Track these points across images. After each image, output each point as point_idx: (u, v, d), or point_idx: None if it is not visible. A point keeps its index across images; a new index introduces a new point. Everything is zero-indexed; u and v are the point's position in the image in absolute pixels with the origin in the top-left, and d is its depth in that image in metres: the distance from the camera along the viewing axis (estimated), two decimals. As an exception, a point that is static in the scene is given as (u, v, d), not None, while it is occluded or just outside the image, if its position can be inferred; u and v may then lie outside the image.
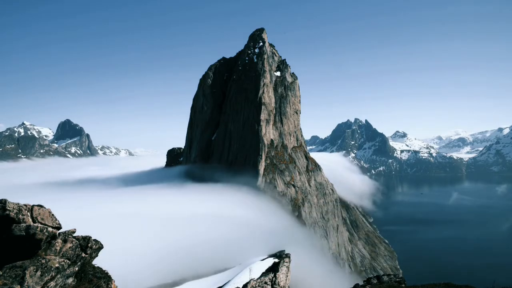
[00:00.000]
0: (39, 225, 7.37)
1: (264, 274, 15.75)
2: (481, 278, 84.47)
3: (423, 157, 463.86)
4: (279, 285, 15.10)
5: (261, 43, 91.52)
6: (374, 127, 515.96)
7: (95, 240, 9.00)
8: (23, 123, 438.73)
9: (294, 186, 75.87)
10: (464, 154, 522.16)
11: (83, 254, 8.41)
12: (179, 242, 44.76)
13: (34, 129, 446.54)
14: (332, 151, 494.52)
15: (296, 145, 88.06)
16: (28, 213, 7.33)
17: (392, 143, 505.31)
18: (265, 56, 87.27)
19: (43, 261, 7.06)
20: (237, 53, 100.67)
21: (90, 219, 43.91)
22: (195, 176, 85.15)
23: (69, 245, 7.97)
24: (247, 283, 14.30)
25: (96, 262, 9.26)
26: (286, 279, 15.96)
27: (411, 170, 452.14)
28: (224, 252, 43.61)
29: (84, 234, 8.79)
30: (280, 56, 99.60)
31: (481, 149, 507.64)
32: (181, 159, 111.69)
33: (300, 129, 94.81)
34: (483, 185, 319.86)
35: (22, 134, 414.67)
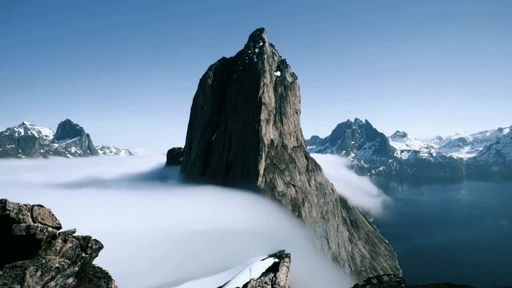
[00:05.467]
0: (39, 225, 7.37)
1: (264, 274, 15.74)
2: (481, 278, 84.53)
3: (423, 157, 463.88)
4: (279, 285, 15.09)
5: (261, 43, 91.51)
6: (374, 127, 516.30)
7: (95, 240, 9.00)
8: (23, 123, 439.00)
9: (294, 186, 75.85)
10: (464, 154, 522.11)
11: (83, 254, 8.41)
12: (179, 242, 44.77)
13: (34, 129, 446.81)
14: (332, 151, 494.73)
15: (296, 145, 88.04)
16: (28, 213, 7.33)
17: (392, 143, 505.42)
18: (265, 56, 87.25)
19: (43, 261, 7.06)
20: (237, 53, 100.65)
21: (90, 219, 43.92)
22: (194, 176, 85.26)
23: (69, 245, 7.97)
24: (247, 283, 14.30)
25: (96, 262, 9.26)
26: (286, 279, 15.96)
27: (411, 170, 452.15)
28: (224, 252, 43.60)
29: (84, 234, 8.79)
30: (280, 56, 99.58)
31: (481, 149, 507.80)
32: (181, 159, 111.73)
33: (300, 129, 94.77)
34: (483, 185, 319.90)
35: (22, 134, 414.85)
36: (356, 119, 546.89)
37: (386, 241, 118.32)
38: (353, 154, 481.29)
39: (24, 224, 7.08)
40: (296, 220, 68.33)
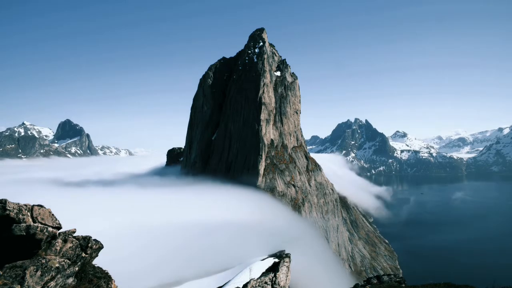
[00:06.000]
0: (39, 225, 7.37)
1: (264, 274, 15.74)
2: (481, 278, 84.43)
3: (423, 157, 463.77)
4: (279, 285, 15.09)
5: (261, 43, 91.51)
6: (374, 127, 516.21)
7: (95, 240, 9.00)
8: (23, 123, 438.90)
9: (294, 186, 75.86)
10: (464, 154, 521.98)
11: (83, 254, 8.41)
12: (179, 242, 44.75)
13: (34, 129, 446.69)
14: (332, 151, 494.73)
15: (296, 145, 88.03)
16: (28, 213, 7.33)
17: (392, 143, 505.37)
18: (265, 56, 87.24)
19: (43, 261, 7.06)
20: (237, 53, 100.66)
21: (90, 218, 43.91)
22: (195, 176, 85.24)
23: (69, 245, 7.97)
24: (247, 283, 14.30)
25: (96, 262, 9.26)
26: (286, 279, 15.95)
27: (411, 170, 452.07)
28: (224, 252, 43.59)
29: (84, 234, 8.79)
30: (280, 56, 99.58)
31: (481, 149, 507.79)
32: (181, 159, 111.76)
33: (300, 129, 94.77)
34: (483, 185, 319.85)
35: (22, 134, 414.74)
36: (356, 119, 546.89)
37: (386, 241, 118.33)
38: (353, 154, 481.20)
39: (24, 224, 7.08)
40: (296, 220, 68.38)
